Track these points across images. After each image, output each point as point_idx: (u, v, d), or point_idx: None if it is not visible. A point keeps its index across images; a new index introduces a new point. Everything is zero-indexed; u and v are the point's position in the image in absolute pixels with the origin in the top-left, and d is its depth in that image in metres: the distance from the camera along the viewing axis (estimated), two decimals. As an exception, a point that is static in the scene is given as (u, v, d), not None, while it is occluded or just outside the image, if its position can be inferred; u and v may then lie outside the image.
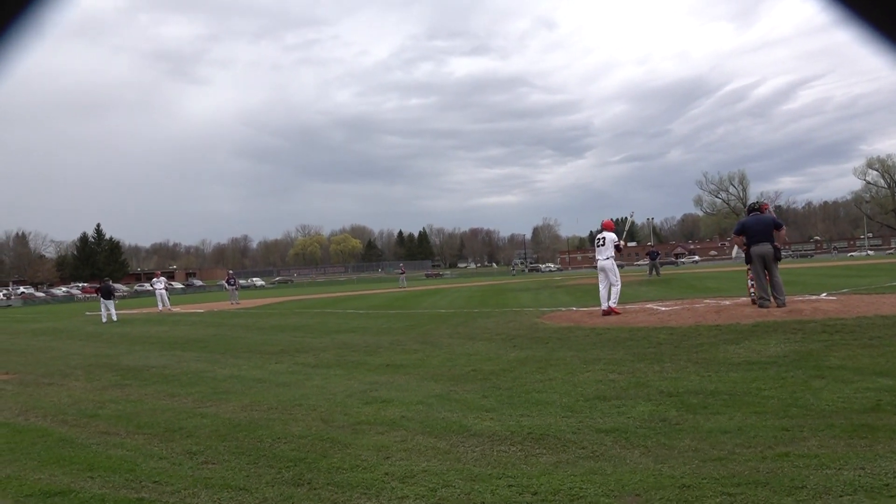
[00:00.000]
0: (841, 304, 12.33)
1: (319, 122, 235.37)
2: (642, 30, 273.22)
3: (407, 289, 46.84)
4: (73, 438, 5.92)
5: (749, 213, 12.50)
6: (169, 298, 33.02)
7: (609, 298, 13.56)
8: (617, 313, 13.25)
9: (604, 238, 13.83)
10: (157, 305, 31.14)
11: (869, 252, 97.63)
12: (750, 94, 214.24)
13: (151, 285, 32.49)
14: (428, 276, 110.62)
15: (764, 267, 11.84)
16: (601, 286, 13.77)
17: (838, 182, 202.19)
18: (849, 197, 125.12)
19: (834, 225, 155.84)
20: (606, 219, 14.66)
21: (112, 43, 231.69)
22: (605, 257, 13.69)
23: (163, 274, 37.24)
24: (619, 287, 13.60)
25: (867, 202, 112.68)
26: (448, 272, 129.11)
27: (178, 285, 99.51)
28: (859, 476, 3.71)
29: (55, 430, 6.31)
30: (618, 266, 13.86)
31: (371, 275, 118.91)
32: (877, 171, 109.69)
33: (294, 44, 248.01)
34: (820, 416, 5.00)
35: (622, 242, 13.89)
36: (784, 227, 12.31)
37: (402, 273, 56.51)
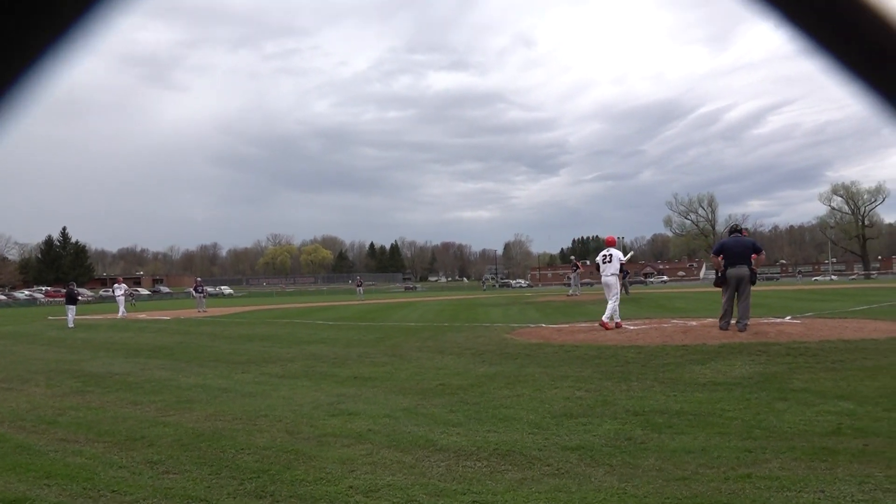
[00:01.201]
0: (805, 327, 12.55)
1: (297, 132, 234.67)
2: (620, 50, 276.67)
3: (365, 301, 46.28)
4: (30, 445, 5.79)
5: (730, 235, 12.62)
6: (130, 305, 32.77)
7: (616, 311, 14.10)
8: (608, 328, 13.59)
9: (610, 255, 14.18)
10: (117, 312, 30.86)
11: (833, 277, 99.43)
12: (722, 118, 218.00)
13: (112, 291, 32.28)
14: (407, 288, 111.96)
15: (735, 289, 11.93)
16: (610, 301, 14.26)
17: (804, 207, 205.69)
18: (814, 222, 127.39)
19: (799, 249, 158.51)
20: (610, 235, 15.10)
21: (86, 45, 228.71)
22: (609, 273, 14.09)
23: (125, 280, 36.85)
24: (616, 304, 13.92)
25: (832, 227, 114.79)
26: (419, 286, 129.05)
27: (144, 291, 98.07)
28: (819, 499, 3.76)
29: (12, 437, 6.17)
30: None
31: (341, 286, 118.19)
32: (841, 197, 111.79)
33: (273, 52, 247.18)
34: (782, 438, 5.07)
35: (625, 259, 14.27)
36: (763, 251, 12.46)
37: (359, 285, 56.16)
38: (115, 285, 33.32)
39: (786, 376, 7.70)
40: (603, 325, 13.76)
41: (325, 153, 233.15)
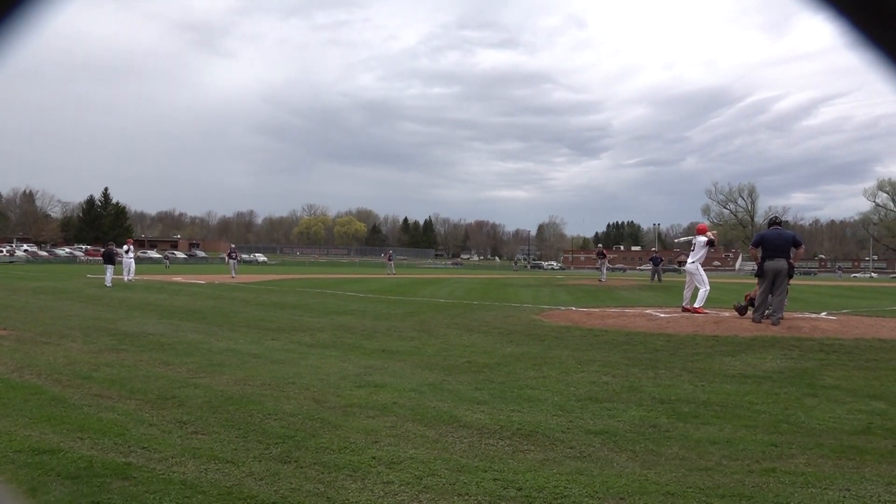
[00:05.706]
0: (840, 324, 12.31)
1: (340, 104, 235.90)
2: (673, 34, 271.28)
3: (395, 275, 45.10)
4: (65, 398, 5.95)
5: (770, 227, 12.45)
6: (164, 268, 32.03)
7: (688, 299, 14.53)
8: (700, 313, 13.74)
9: (694, 244, 14.50)
10: (123, 274, 27.80)
11: (872, 275, 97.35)
12: (771, 108, 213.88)
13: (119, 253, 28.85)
14: (454, 264, 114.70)
15: (772, 282, 11.73)
16: (686, 287, 14.92)
17: (849, 202, 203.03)
18: (857, 217, 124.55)
19: (840, 244, 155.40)
20: (702, 223, 15.22)
21: (143, 9, 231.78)
22: (690, 261, 14.45)
23: (131, 241, 32.44)
24: (706, 290, 14.11)
25: (875, 224, 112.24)
26: (449, 262, 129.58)
27: (180, 255, 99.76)
28: (844, 497, 3.72)
29: (49, 389, 6.34)
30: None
31: (373, 259, 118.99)
32: (887, 193, 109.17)
33: (323, 23, 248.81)
34: (810, 434, 5.01)
35: (713, 237, 14.50)
36: (803, 245, 12.24)
37: (388, 259, 53.84)
38: (125, 246, 29.45)
39: (817, 372, 7.58)
40: (695, 310, 13.86)
41: (365, 126, 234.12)
